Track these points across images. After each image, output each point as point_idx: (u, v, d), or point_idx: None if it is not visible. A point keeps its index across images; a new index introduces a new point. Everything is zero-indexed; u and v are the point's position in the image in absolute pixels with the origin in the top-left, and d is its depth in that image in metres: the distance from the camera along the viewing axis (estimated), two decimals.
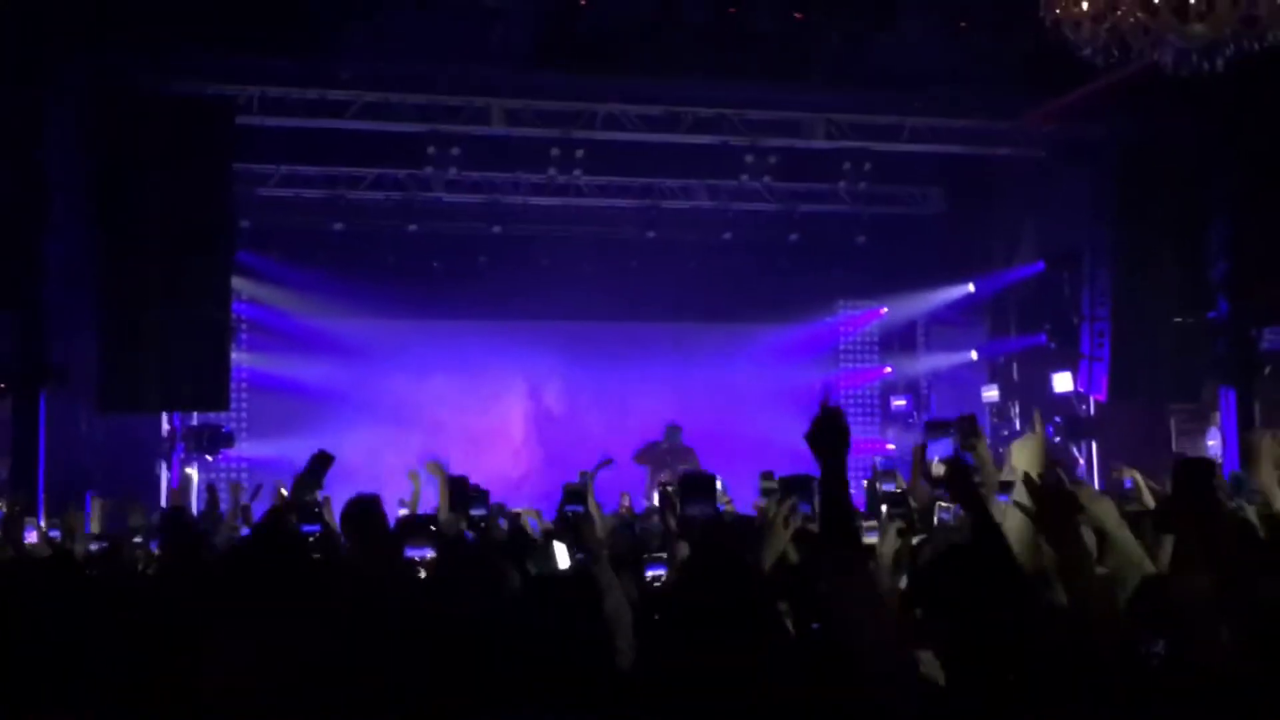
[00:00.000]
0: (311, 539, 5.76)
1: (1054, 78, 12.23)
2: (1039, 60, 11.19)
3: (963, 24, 11.97)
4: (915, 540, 4.95)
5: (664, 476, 13.81)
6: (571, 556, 5.70)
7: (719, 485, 11.19)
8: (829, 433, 3.26)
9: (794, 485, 3.97)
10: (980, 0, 12.04)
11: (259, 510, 9.21)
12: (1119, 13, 6.60)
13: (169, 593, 4.87)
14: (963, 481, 3.97)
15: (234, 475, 14.73)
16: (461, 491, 6.95)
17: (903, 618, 3.59)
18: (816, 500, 3.84)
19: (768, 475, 6.98)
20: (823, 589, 3.38)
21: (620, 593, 4.14)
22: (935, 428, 4.28)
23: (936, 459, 4.21)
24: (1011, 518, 5.22)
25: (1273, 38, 6.71)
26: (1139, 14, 6.57)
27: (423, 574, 4.45)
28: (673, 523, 5.41)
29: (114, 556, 6.68)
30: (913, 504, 5.28)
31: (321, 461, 5.74)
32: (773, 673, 3.00)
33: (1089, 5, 6.69)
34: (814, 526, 3.79)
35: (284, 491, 7.83)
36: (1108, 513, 4.64)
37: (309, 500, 5.62)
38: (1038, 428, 4.21)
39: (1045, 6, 7.02)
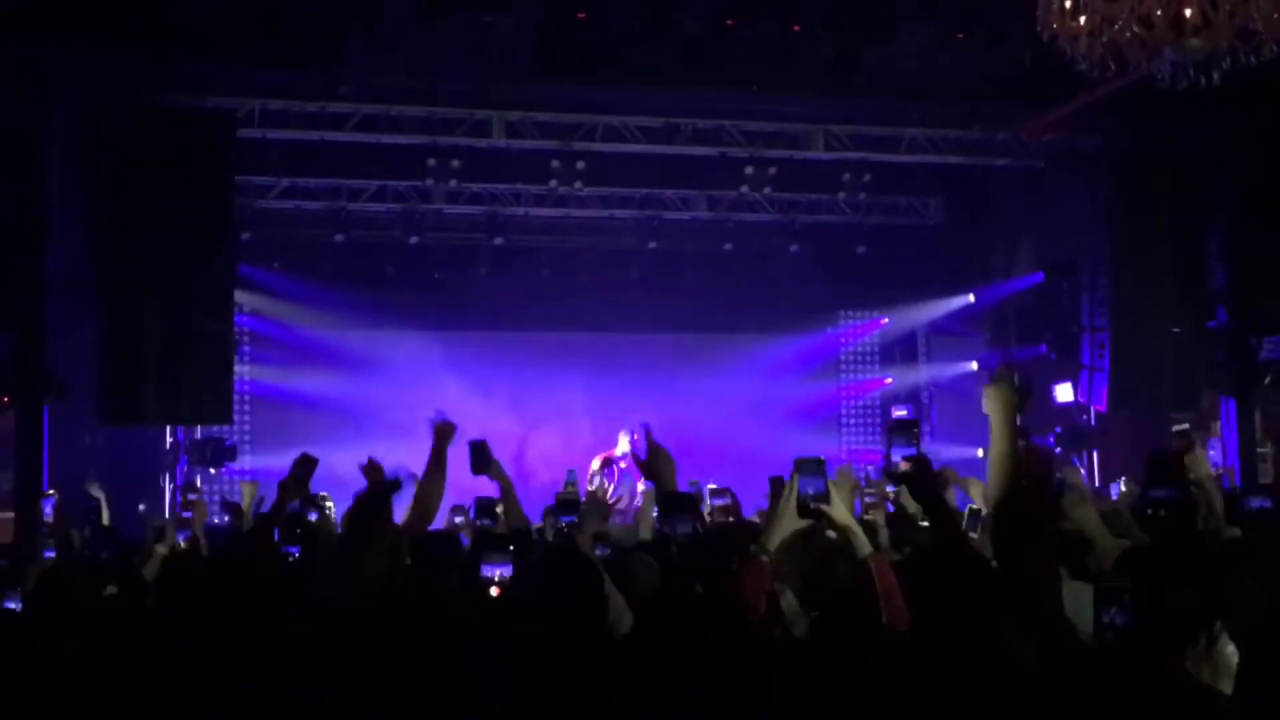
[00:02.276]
0: (291, 559, 5.80)
1: (1051, 88, 12.25)
2: (1036, 71, 11.22)
3: (960, 35, 11.99)
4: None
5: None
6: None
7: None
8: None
9: (806, 466, 3.98)
10: (977, 12, 12.09)
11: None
12: (1116, 27, 6.63)
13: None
14: (925, 481, 4.01)
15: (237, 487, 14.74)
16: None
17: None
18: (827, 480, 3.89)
19: (779, 481, 6.97)
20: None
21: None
22: (899, 427, 4.28)
23: (900, 459, 4.22)
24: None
25: (1269, 51, 6.74)
26: (1136, 28, 6.60)
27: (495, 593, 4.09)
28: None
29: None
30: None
31: (305, 465, 5.80)
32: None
33: (1086, 20, 6.73)
34: (825, 505, 3.81)
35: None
36: (1088, 517, 4.69)
37: (291, 514, 5.67)
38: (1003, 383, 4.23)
39: (1042, 21, 7.06)
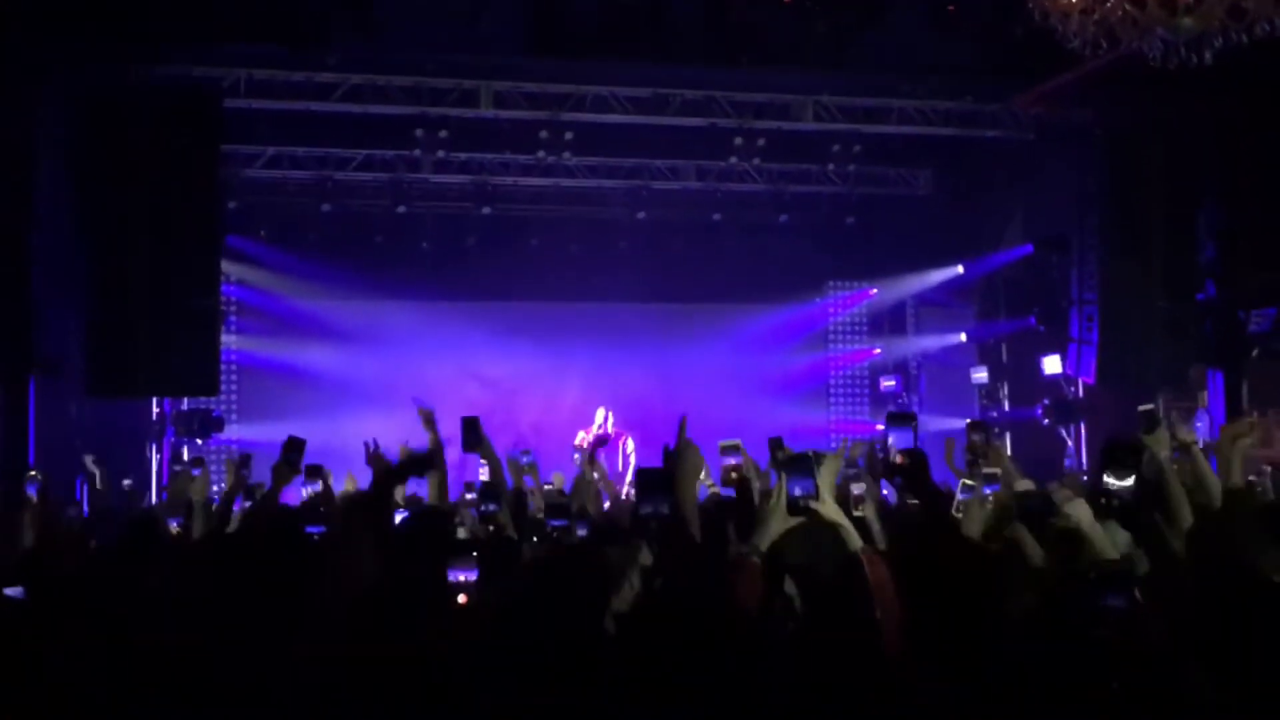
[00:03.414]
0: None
1: (1042, 62, 12.20)
2: (1027, 44, 11.15)
3: (950, 7, 11.92)
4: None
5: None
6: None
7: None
8: None
9: (793, 465, 3.92)
10: None
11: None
12: (1108, 5, 6.60)
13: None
14: (920, 475, 4.01)
15: (225, 457, 14.76)
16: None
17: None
18: (818, 478, 3.84)
19: (778, 443, 6.86)
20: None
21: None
22: (897, 419, 4.25)
23: (896, 450, 4.19)
24: (974, 513, 5.30)
25: (1260, 30, 6.72)
26: (1127, 6, 6.57)
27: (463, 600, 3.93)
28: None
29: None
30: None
31: (293, 447, 5.79)
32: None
33: None
34: (816, 504, 3.78)
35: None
36: (1082, 514, 4.70)
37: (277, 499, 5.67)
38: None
39: (1034, 1, 7.02)
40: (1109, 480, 3.97)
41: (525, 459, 8.15)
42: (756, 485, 5.89)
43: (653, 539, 3.96)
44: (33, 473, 8.35)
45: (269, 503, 5.71)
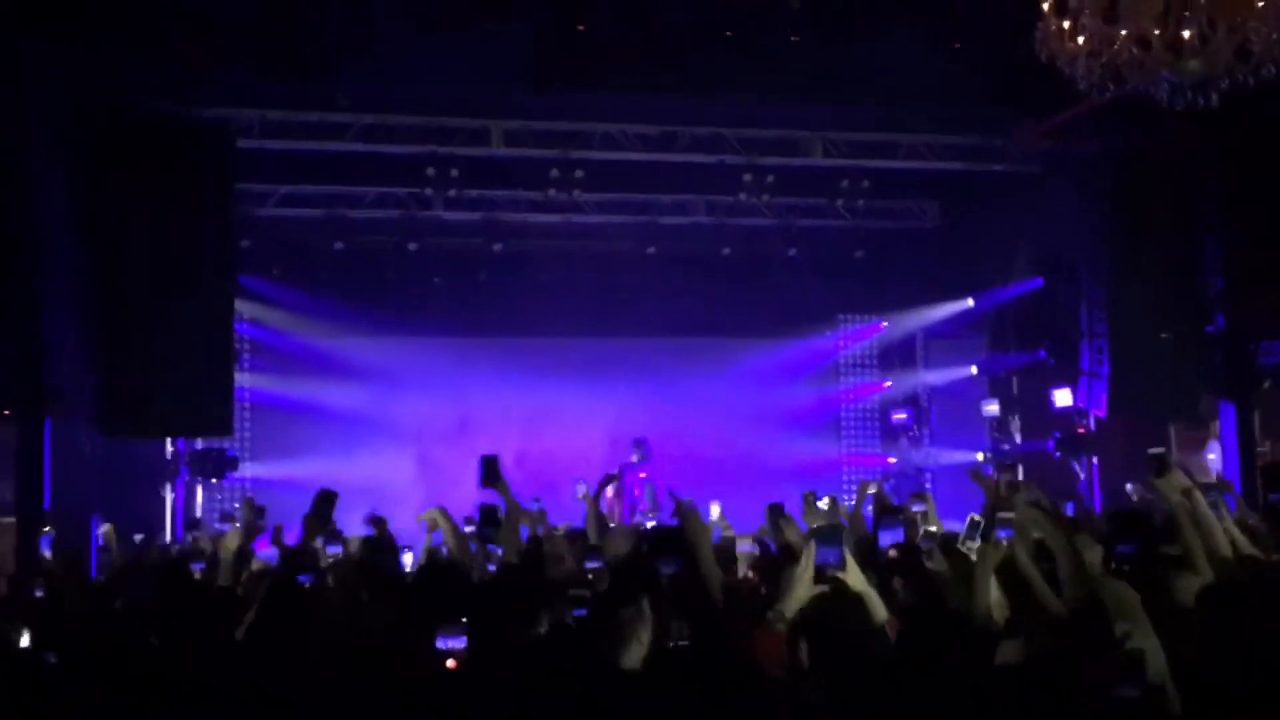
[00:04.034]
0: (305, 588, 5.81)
1: (1048, 94, 12.24)
2: (1032, 77, 11.20)
3: (956, 44, 11.99)
4: None
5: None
6: None
7: (717, 510, 11.15)
8: None
9: (824, 534, 3.94)
10: (973, 18, 12.08)
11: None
12: (1114, 48, 6.65)
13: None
14: (916, 569, 4.03)
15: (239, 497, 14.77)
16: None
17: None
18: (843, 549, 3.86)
19: (779, 509, 6.92)
20: None
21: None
22: (887, 513, 4.26)
23: (889, 544, 4.23)
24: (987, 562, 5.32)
25: (1266, 71, 6.76)
26: (1134, 49, 6.62)
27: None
28: None
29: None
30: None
31: (326, 500, 5.86)
32: None
33: (1084, 41, 6.75)
34: (843, 574, 3.80)
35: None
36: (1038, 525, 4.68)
37: (312, 547, 5.70)
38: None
39: (1041, 43, 7.08)
40: (1119, 548, 3.99)
41: (536, 506, 8.18)
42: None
43: (669, 598, 3.99)
44: (46, 528, 8.36)
45: (300, 555, 5.77)
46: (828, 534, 4.05)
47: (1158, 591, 4.06)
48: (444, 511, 6.73)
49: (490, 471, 6.74)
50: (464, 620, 3.99)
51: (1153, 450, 5.63)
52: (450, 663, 3.85)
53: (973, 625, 3.87)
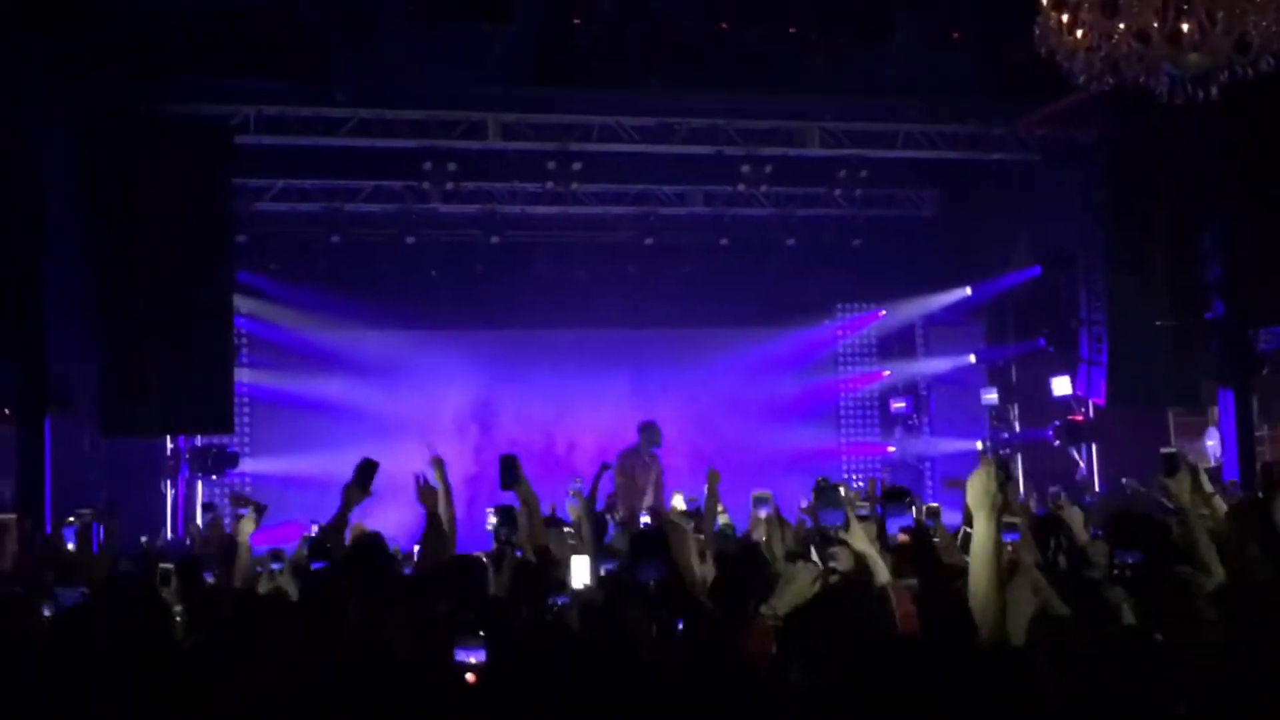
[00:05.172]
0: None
1: (1046, 83, 12.22)
2: (1031, 66, 11.19)
3: (955, 34, 11.98)
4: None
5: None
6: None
7: (680, 500, 11.03)
8: None
9: (825, 494, 3.91)
10: (972, 8, 12.08)
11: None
12: (1113, 41, 6.65)
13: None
14: (924, 554, 4.01)
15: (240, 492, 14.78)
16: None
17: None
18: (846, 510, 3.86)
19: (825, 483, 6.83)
20: None
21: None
22: (893, 497, 4.23)
23: (898, 530, 4.20)
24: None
25: (1265, 64, 6.76)
26: (1133, 43, 6.62)
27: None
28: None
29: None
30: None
31: (368, 469, 5.91)
32: None
33: (1083, 35, 6.75)
34: (846, 535, 3.79)
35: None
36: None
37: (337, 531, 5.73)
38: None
39: (1039, 37, 7.08)
40: (1121, 555, 4.00)
41: (574, 487, 8.12)
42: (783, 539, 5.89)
43: (653, 602, 3.99)
44: (70, 518, 8.39)
45: (339, 526, 5.81)
46: (830, 497, 4.05)
47: (1171, 600, 4.05)
48: (441, 466, 6.69)
49: (510, 472, 6.71)
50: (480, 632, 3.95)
51: (1165, 449, 5.63)
52: (469, 676, 3.80)
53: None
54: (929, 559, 3.91)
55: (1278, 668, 3.29)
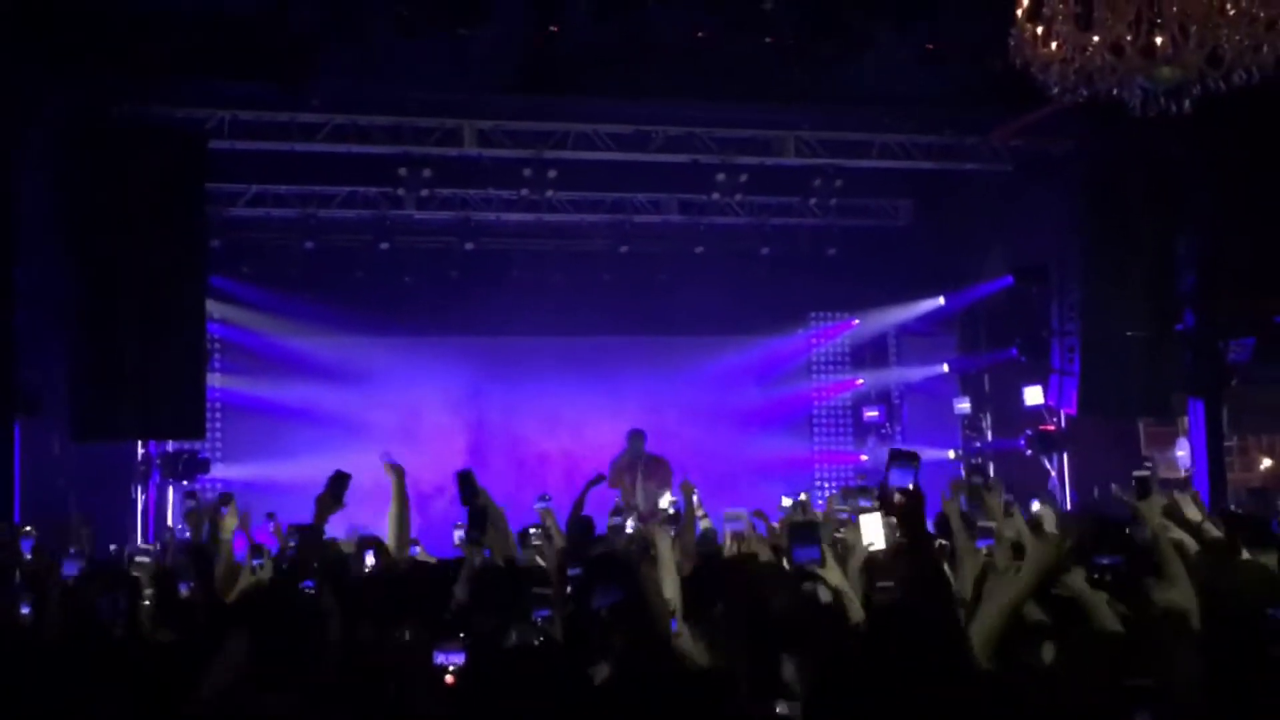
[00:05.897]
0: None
1: (1021, 95, 12.28)
2: (1006, 77, 11.25)
3: (931, 46, 12.03)
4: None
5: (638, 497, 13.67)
6: None
7: (666, 499, 11.02)
8: None
9: (799, 532, 3.91)
10: (948, 20, 12.12)
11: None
12: (1087, 53, 6.70)
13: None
14: (916, 518, 4.03)
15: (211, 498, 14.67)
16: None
17: None
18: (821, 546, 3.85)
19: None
20: None
21: None
22: (900, 457, 4.22)
23: (894, 488, 4.20)
24: (971, 564, 5.33)
25: (1238, 77, 6.82)
26: (1107, 55, 6.67)
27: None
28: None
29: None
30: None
31: (340, 481, 5.87)
32: None
33: (1057, 47, 6.80)
34: (821, 570, 3.78)
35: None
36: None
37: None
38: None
39: (1014, 50, 7.12)
40: (1098, 558, 4.03)
41: (543, 505, 8.09)
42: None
43: (610, 630, 3.94)
44: (28, 530, 8.30)
45: (314, 537, 5.78)
46: (805, 532, 4.04)
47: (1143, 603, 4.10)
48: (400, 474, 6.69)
49: (468, 487, 6.68)
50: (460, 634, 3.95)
51: (1137, 473, 5.67)
52: (448, 679, 3.80)
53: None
54: (918, 518, 3.93)
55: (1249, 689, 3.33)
